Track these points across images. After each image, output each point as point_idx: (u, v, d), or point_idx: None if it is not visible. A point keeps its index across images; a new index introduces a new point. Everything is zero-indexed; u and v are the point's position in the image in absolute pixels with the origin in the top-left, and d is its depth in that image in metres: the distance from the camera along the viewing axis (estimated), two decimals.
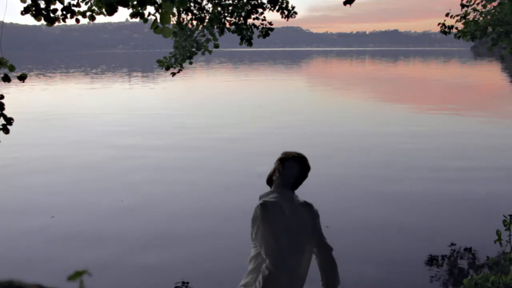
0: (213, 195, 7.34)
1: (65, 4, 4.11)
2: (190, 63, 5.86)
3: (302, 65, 64.15)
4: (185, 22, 5.79)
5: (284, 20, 6.35)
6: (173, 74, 5.99)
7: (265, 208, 2.44)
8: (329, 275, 2.58)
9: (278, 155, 2.68)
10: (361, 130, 12.89)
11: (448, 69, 48.82)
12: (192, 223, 6.23)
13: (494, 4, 6.89)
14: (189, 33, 5.77)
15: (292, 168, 2.58)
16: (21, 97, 23.25)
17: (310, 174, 2.64)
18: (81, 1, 4.32)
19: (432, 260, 5.07)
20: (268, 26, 6.14)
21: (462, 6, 7.08)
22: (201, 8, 5.81)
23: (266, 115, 15.92)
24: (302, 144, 10.78)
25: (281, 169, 2.60)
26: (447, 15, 7.15)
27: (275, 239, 2.39)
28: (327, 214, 6.46)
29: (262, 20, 6.07)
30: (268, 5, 6.01)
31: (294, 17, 6.31)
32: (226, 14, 5.90)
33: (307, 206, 2.60)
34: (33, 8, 3.92)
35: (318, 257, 2.61)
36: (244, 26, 5.98)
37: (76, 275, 0.82)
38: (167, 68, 5.79)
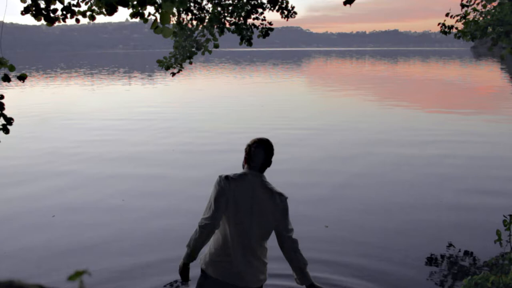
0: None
1: (65, 4, 4.10)
2: (190, 63, 5.86)
3: (303, 65, 64.12)
4: (185, 22, 5.79)
5: (284, 20, 6.35)
6: (173, 74, 5.99)
7: (219, 179, 2.79)
8: (295, 258, 2.84)
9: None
10: (365, 131, 12.89)
11: (453, 69, 48.68)
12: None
13: (494, 4, 6.89)
14: (189, 33, 5.77)
15: (257, 152, 2.82)
16: (19, 97, 23.25)
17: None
18: (81, 1, 4.32)
19: (431, 260, 5.07)
20: (268, 26, 6.14)
21: (462, 6, 7.08)
22: (201, 8, 5.81)
23: (270, 114, 15.93)
24: (305, 144, 10.80)
25: (247, 154, 2.86)
26: (447, 15, 7.15)
27: (212, 206, 2.72)
28: (327, 213, 6.48)
29: (262, 20, 6.07)
30: (268, 5, 6.01)
31: (294, 17, 6.31)
32: (226, 14, 5.90)
33: (271, 192, 2.79)
34: (33, 8, 3.91)
35: (281, 247, 2.87)
36: (244, 26, 5.97)
37: (76, 275, 0.82)
38: (167, 68, 5.79)
